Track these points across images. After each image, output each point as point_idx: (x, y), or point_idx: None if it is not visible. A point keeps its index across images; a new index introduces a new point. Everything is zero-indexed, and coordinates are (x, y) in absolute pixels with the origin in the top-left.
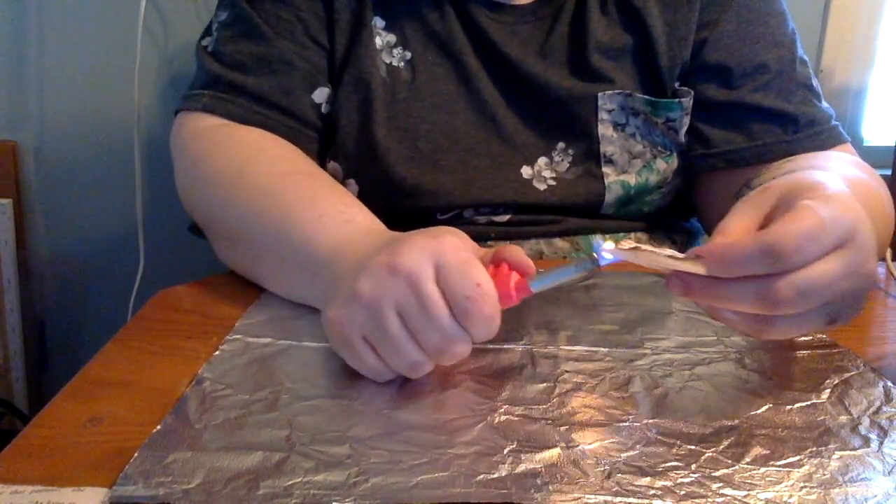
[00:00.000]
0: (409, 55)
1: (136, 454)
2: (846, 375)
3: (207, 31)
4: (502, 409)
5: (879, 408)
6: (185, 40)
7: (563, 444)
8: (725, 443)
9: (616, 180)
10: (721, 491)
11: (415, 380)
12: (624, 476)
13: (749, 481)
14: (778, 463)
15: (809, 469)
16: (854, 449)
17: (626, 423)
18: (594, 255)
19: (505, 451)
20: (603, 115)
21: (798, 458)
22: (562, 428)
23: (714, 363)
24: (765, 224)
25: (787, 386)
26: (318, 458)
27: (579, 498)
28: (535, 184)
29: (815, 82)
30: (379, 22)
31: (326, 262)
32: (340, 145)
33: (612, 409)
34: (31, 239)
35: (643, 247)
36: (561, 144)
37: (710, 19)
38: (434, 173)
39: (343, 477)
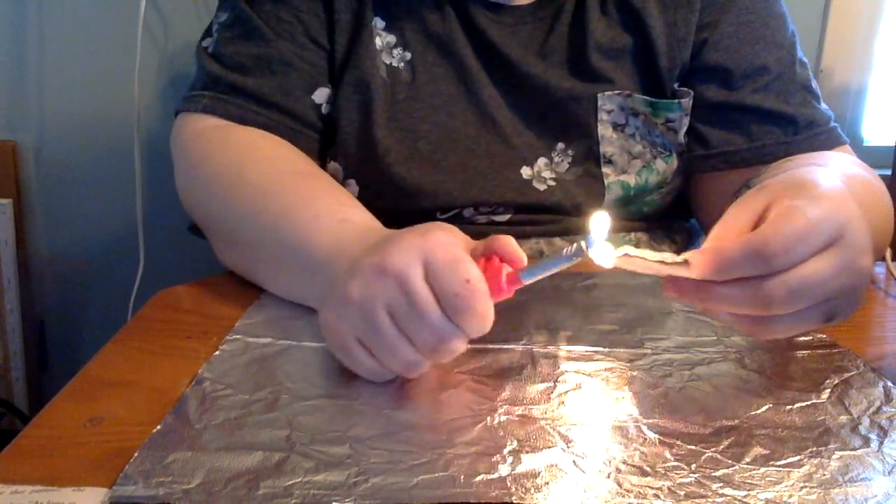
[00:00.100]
0: (409, 56)
1: (136, 454)
2: (846, 375)
3: (208, 33)
4: (502, 409)
5: (879, 408)
6: (185, 40)
7: (563, 444)
8: (725, 443)
9: (616, 181)
10: (721, 491)
11: (414, 380)
12: (624, 476)
13: (749, 481)
14: (778, 463)
15: (809, 469)
16: (854, 449)
17: (626, 423)
18: (582, 243)
19: (505, 451)
20: (602, 116)
21: (798, 458)
22: (562, 428)
23: (714, 363)
24: (759, 224)
25: (787, 386)
26: (318, 458)
27: (579, 498)
28: (535, 184)
29: (814, 84)
30: (379, 22)
31: (323, 263)
32: (340, 146)
33: (611, 409)
34: (31, 239)
35: (633, 253)
36: (561, 145)
37: (710, 20)
38: (434, 174)
39: (343, 477)
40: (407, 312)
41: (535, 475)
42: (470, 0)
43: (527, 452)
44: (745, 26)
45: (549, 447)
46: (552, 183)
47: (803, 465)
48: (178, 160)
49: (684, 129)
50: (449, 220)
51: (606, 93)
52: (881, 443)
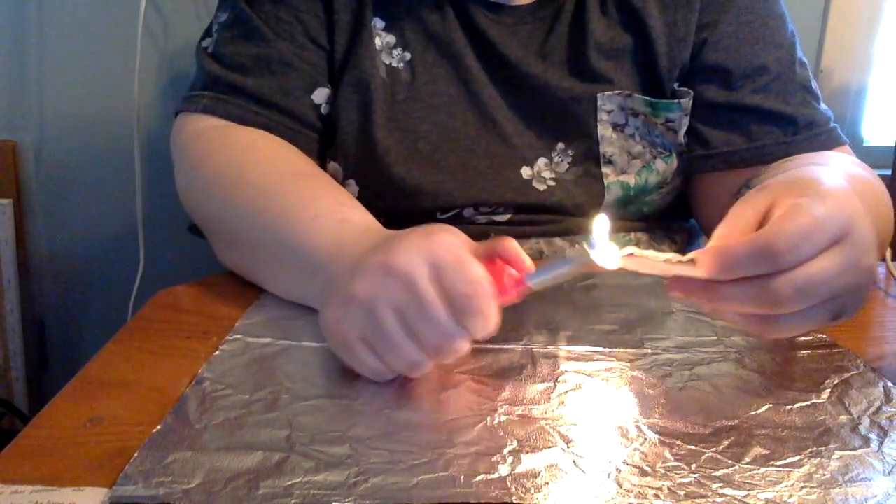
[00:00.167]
0: (408, 56)
1: (136, 454)
2: (846, 375)
3: (208, 33)
4: (502, 409)
5: (879, 408)
6: (185, 40)
7: (563, 444)
8: (725, 443)
9: (615, 181)
10: (721, 491)
11: (415, 380)
12: (624, 476)
13: (749, 481)
14: (778, 463)
15: (809, 469)
16: (854, 449)
17: (626, 423)
18: (586, 247)
19: (505, 451)
20: (602, 116)
21: (798, 458)
22: (562, 428)
23: (714, 363)
24: (763, 223)
25: (787, 386)
26: (318, 458)
27: (579, 498)
28: (535, 184)
29: (814, 84)
30: (379, 23)
31: (323, 263)
32: (340, 146)
33: (611, 409)
34: (31, 239)
35: (639, 253)
36: (560, 145)
37: (709, 20)
38: (434, 174)
39: (343, 477)
40: (413, 312)
41: (535, 475)
42: (470, 0)
43: (527, 452)
44: (745, 26)
45: (549, 447)
46: (552, 183)
47: (803, 465)
48: (178, 160)
49: (684, 129)
50: (449, 220)
51: (606, 93)
52: (881, 443)
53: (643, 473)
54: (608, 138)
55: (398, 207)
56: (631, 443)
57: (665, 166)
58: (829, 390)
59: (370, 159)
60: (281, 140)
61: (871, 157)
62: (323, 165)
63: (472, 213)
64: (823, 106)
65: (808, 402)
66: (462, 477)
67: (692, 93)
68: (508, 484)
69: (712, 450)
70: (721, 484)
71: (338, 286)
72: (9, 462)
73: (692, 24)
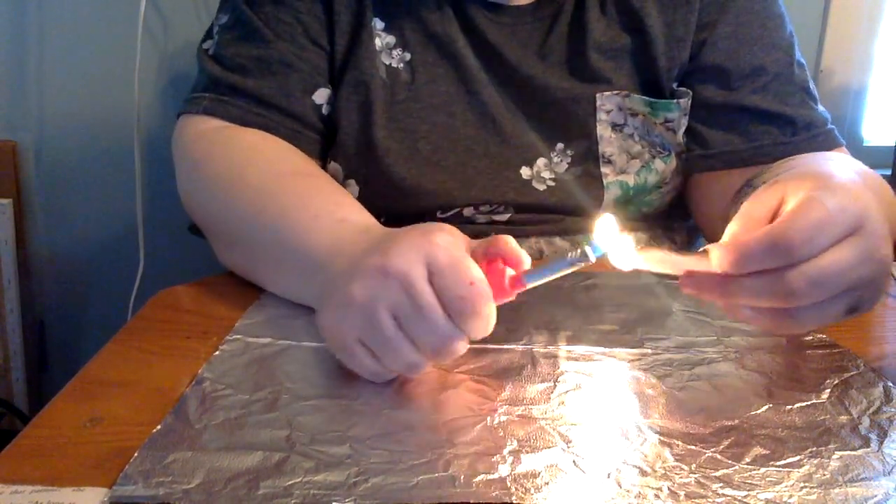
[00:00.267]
0: (408, 56)
1: (136, 454)
2: (846, 375)
3: (208, 35)
4: (502, 409)
5: (879, 408)
6: (185, 40)
7: (563, 444)
8: (725, 443)
9: (614, 180)
10: (721, 491)
11: (415, 380)
12: (624, 476)
13: (749, 481)
14: (778, 463)
15: (809, 469)
16: (854, 449)
17: (626, 423)
18: (587, 248)
19: (505, 451)
20: (601, 116)
21: (798, 458)
22: (562, 428)
23: (714, 363)
24: (775, 218)
25: (787, 386)
26: (318, 458)
27: (579, 498)
28: (535, 184)
29: (812, 85)
30: (378, 23)
31: (322, 263)
32: (341, 146)
33: (611, 409)
34: (31, 239)
35: (652, 250)
36: (560, 145)
37: (708, 21)
38: (434, 174)
39: (343, 477)
40: (410, 314)
41: (535, 475)
42: (469, 0)
43: (527, 452)
44: (744, 27)
45: (549, 447)
46: (552, 183)
47: (803, 465)
48: (180, 162)
49: (683, 129)
50: (449, 220)
51: (605, 93)
52: (881, 443)
53: (643, 473)
54: (607, 138)
55: (398, 207)
56: (631, 443)
57: (664, 166)
58: (829, 390)
59: (370, 159)
60: (282, 141)
61: (871, 157)
62: (324, 166)
63: (472, 212)
64: (821, 107)
65: (808, 402)
66: (462, 477)
67: (691, 93)
68: (508, 484)
69: (712, 450)
70: (721, 484)
71: (336, 287)
72: (9, 462)
73: (691, 25)
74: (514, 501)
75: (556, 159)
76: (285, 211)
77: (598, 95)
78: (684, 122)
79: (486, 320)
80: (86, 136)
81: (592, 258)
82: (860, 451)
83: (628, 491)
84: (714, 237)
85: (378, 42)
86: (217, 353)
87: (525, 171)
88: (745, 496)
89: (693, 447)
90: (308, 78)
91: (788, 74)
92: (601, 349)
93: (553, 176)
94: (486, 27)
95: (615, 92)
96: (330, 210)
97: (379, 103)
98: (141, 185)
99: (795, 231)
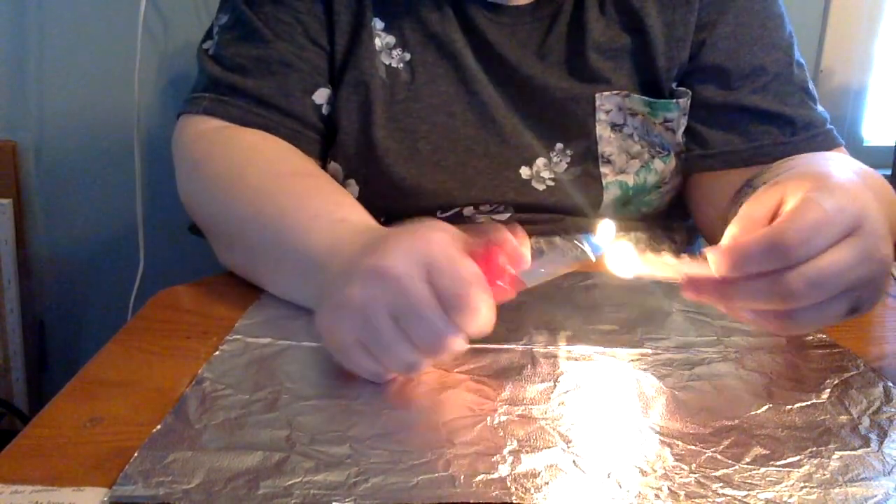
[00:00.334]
0: (408, 56)
1: (136, 454)
2: (846, 375)
3: (208, 35)
4: (502, 409)
5: (879, 408)
6: (185, 40)
7: (563, 444)
8: (725, 443)
9: (614, 180)
10: (721, 491)
11: (415, 380)
12: (624, 476)
13: (749, 481)
14: (778, 463)
15: (809, 469)
16: (854, 449)
17: (626, 423)
18: (586, 247)
19: (505, 451)
20: (601, 116)
21: (798, 458)
22: (562, 428)
23: (714, 363)
24: (774, 219)
25: (787, 386)
26: (318, 458)
27: (579, 498)
28: (534, 184)
29: (811, 85)
30: (378, 23)
31: (320, 264)
32: (341, 146)
33: (611, 409)
34: (31, 239)
35: (650, 255)
36: (559, 145)
37: (708, 21)
38: (433, 174)
39: (343, 477)
40: (408, 314)
41: (535, 475)
42: (469, 0)
43: (527, 452)
44: (743, 27)
45: (549, 447)
46: (551, 183)
47: (803, 465)
48: (180, 162)
49: (682, 129)
50: (449, 220)
51: (604, 93)
52: (881, 443)
53: (643, 473)
54: (606, 138)
55: (398, 207)
56: (631, 443)
57: (663, 166)
58: (829, 390)
59: (370, 159)
60: (282, 141)
61: (871, 157)
62: (324, 166)
63: (472, 212)
64: (820, 107)
65: (808, 402)
66: (462, 477)
67: (690, 93)
68: (508, 484)
69: (712, 450)
70: (721, 484)
71: (334, 288)
72: (9, 462)
73: (691, 25)
74: (514, 501)
75: (555, 159)
76: (285, 211)
77: (597, 95)
78: (684, 121)
79: (483, 317)
80: (86, 136)
81: (592, 256)
82: (860, 451)
83: (628, 491)
84: (713, 237)
85: (378, 42)
86: (217, 353)
87: (524, 171)
88: (745, 496)
89: (693, 447)
90: (308, 78)
91: (788, 74)
92: (601, 349)
93: (552, 176)
94: (485, 27)
95: (614, 92)
96: (329, 210)
97: (379, 103)
98: (141, 185)
99: (793, 232)
